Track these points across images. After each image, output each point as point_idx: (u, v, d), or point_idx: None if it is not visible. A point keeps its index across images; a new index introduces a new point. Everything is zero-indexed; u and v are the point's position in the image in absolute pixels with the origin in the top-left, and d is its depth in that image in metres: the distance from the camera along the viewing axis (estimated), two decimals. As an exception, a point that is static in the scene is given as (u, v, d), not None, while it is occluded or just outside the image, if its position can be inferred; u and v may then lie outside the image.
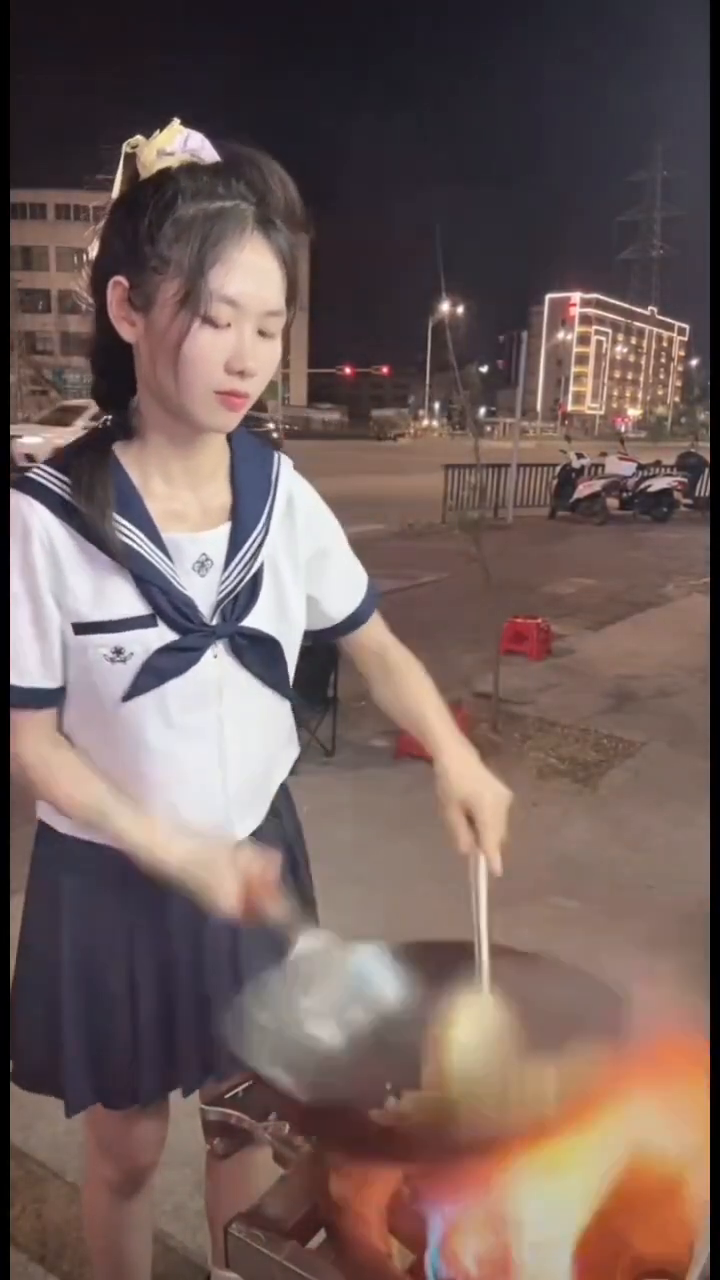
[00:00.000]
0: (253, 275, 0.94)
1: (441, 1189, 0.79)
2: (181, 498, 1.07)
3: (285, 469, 1.18)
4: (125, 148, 0.97)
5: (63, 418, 17.56)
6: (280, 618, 1.14)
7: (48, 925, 1.18)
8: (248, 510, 1.10)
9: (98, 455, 1.04)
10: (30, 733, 1.08)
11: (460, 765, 1.13)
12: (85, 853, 1.14)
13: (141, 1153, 1.33)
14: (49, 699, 1.08)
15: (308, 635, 1.22)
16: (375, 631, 1.30)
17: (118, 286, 0.97)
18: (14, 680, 1.04)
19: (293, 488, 1.17)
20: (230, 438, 1.12)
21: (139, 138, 0.96)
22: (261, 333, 0.97)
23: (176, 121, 0.96)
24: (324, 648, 1.31)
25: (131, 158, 0.97)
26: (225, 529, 1.09)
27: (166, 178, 0.93)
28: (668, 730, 4.78)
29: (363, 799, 3.83)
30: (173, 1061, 1.19)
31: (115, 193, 0.98)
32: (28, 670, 1.04)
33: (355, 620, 1.27)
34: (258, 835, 1.20)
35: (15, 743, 1.08)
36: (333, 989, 0.96)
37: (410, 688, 1.26)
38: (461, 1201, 0.77)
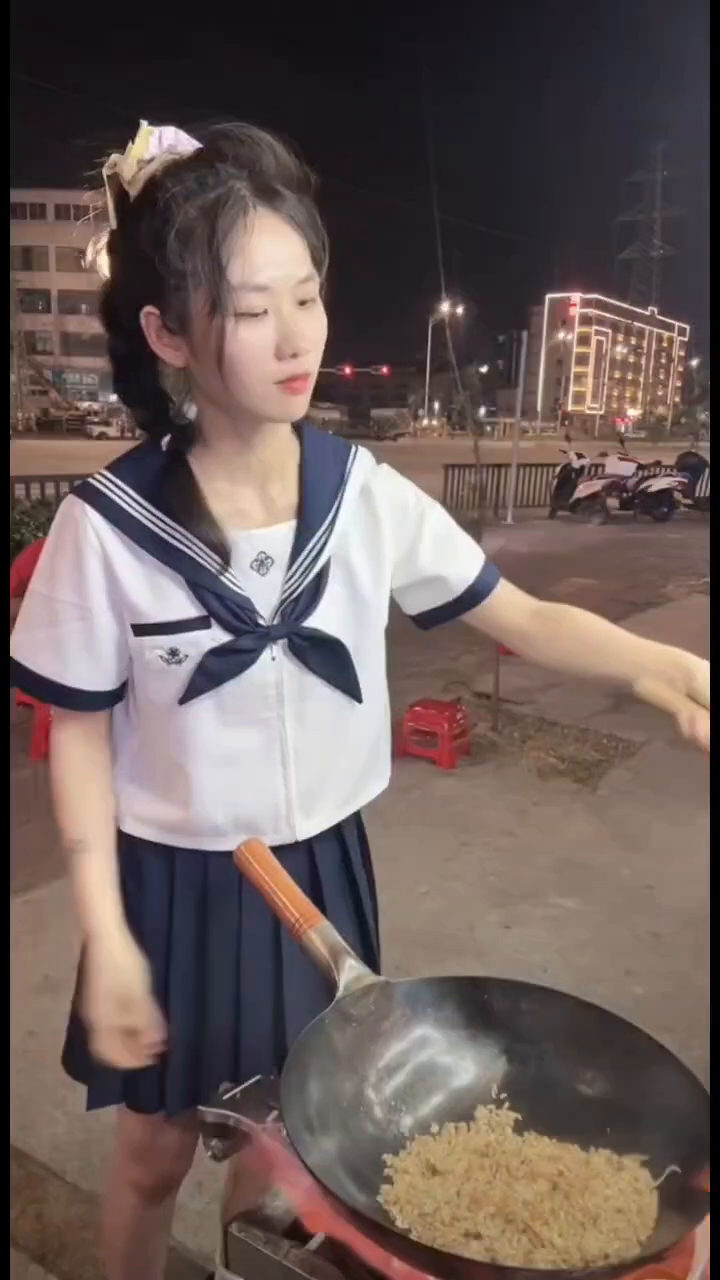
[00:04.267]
0: (272, 254, 0.89)
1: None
2: (244, 495, 1.04)
3: (361, 461, 1.13)
4: (105, 170, 0.92)
5: None
6: (350, 617, 1.09)
7: None
8: (314, 507, 1.06)
9: (161, 460, 1.03)
10: (66, 730, 1.10)
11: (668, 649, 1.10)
12: (139, 853, 1.14)
13: (172, 1159, 1.30)
14: (93, 701, 1.08)
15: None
16: (513, 596, 1.21)
17: (150, 316, 0.93)
18: (60, 679, 1.05)
19: (369, 480, 1.12)
20: (300, 435, 1.10)
21: (115, 156, 0.91)
22: (301, 303, 0.92)
23: (144, 125, 0.90)
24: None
25: (114, 178, 0.92)
26: (289, 526, 1.05)
27: (154, 188, 0.89)
28: (668, 730, 4.71)
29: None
30: (200, 1073, 1.16)
31: (112, 222, 0.94)
32: (78, 673, 1.06)
33: (481, 588, 1.18)
34: (317, 843, 1.16)
35: (53, 737, 1.11)
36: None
37: (592, 623, 1.17)
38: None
